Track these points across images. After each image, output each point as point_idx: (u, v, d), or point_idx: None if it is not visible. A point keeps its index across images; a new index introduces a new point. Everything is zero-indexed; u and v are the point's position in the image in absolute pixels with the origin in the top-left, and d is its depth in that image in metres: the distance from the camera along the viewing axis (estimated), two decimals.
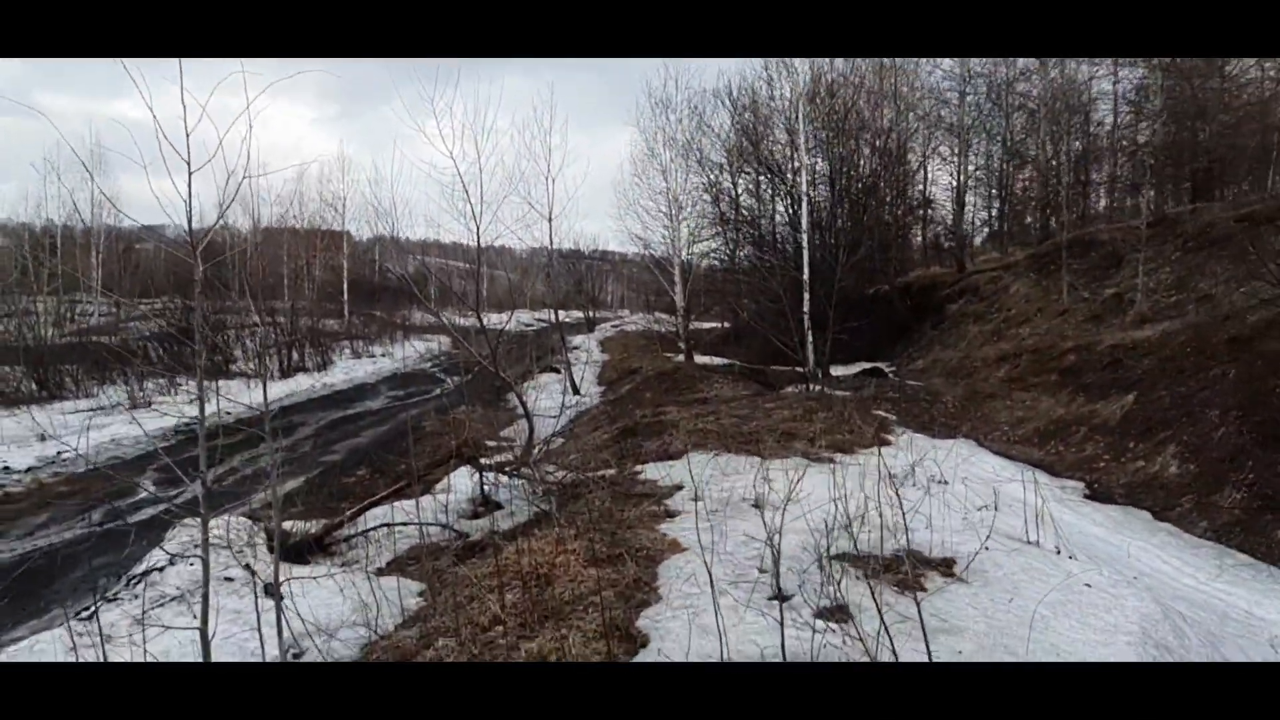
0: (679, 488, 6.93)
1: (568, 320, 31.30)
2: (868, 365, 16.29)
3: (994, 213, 28.45)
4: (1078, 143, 22.74)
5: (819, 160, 15.22)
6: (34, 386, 16.08)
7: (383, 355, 25.71)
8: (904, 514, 4.10)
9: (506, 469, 8.04)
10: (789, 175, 17.43)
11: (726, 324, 28.23)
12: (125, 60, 3.13)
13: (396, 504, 8.05)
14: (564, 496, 7.50)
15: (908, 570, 4.64)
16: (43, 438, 11.41)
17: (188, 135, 3.96)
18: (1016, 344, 13.74)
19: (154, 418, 12.96)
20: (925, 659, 3.30)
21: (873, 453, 8.44)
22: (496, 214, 22.34)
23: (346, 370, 22.81)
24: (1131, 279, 14.12)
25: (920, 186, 25.49)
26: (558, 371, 20.70)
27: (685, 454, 8.48)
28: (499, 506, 8.35)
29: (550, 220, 17.68)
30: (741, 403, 11.28)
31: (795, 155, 15.92)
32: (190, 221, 4.16)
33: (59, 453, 10.68)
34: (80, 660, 4.06)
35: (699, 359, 20.82)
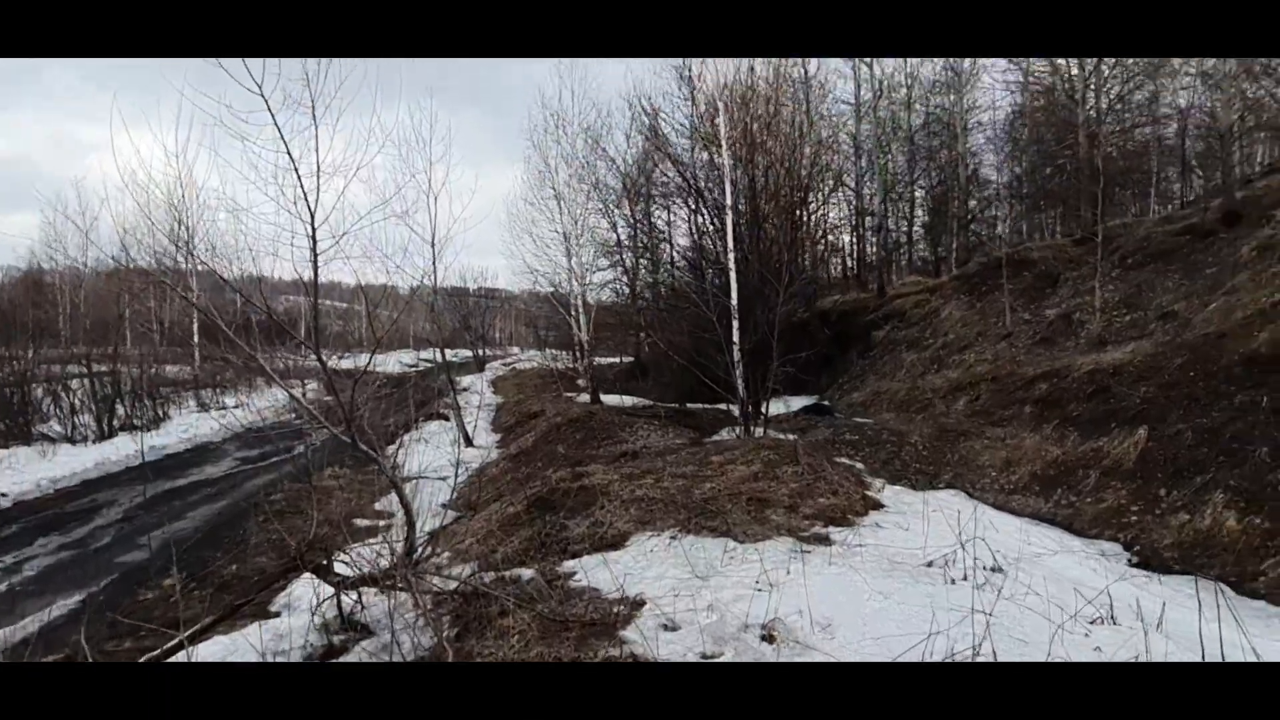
0: (638, 605, 4.70)
1: (455, 359, 28.38)
2: (806, 401, 14.64)
3: (888, 240, 28.25)
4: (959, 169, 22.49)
5: (738, 172, 13.53)
6: None
7: (236, 407, 21.92)
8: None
9: (376, 580, 5.53)
10: (702, 188, 15.75)
11: (627, 359, 26.31)
12: None
13: (214, 638, 5.40)
14: (464, 620, 5.11)
15: None
16: None
17: None
18: (965, 371, 12.43)
19: None
20: None
21: (871, 523, 6.56)
22: (352, 231, 19.49)
23: (187, 427, 19.09)
24: (1072, 298, 13.23)
25: (821, 210, 24.74)
26: (446, 418, 18.01)
27: (629, 537, 6.27)
28: (369, 633, 5.81)
29: (434, 245, 15.25)
30: (680, 456, 9.19)
31: (710, 165, 14.29)
32: None
33: None
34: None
35: (606, 399, 18.64)
